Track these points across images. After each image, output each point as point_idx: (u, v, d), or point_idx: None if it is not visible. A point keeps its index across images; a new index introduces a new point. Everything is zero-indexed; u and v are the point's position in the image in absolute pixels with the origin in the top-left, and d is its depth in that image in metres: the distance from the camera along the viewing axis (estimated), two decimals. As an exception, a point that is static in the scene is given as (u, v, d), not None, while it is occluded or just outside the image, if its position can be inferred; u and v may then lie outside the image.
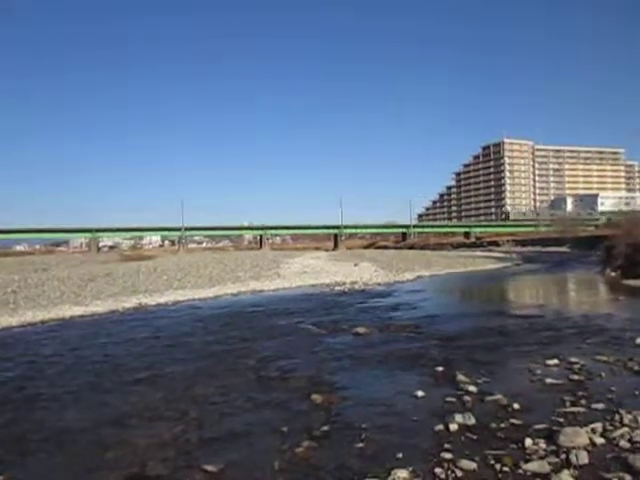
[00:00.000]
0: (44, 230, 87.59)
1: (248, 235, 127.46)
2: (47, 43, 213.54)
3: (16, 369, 7.68)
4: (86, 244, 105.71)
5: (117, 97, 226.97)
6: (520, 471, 3.82)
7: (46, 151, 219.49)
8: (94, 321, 12.35)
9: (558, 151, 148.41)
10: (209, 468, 4.07)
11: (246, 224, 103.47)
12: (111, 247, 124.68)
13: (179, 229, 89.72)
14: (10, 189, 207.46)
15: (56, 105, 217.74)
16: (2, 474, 4.06)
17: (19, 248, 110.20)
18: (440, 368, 6.90)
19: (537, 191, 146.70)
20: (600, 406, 5.14)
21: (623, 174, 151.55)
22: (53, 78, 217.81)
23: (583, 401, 5.34)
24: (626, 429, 4.46)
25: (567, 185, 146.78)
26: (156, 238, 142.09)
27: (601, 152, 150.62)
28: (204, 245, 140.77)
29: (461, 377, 6.34)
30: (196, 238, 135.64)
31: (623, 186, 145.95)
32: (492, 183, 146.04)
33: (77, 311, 13.47)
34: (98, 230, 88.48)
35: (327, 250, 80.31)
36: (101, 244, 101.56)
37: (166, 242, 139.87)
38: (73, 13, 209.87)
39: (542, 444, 4.25)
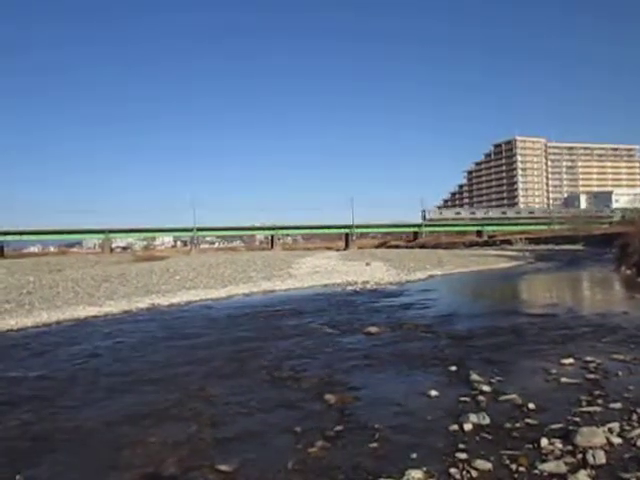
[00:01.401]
0: (58, 231, 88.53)
1: (259, 235, 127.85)
2: (59, 41, 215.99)
3: (31, 369, 7.75)
4: (99, 245, 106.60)
5: (127, 96, 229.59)
6: (536, 471, 3.77)
7: (59, 153, 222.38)
8: (108, 321, 12.45)
9: (571, 148, 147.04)
10: (223, 468, 4.07)
11: (257, 224, 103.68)
12: (124, 248, 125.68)
13: (191, 230, 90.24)
14: (23, 191, 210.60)
15: (65, 105, 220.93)
16: (19, 473, 4.10)
17: (33, 249, 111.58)
18: (453, 367, 6.85)
19: (550, 189, 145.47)
20: (617, 405, 5.07)
21: (638, 171, 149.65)
22: (63, 77, 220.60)
23: (600, 400, 5.26)
24: (644, 429, 4.40)
25: (581, 182, 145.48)
26: (168, 239, 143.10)
27: (615, 149, 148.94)
28: (216, 245, 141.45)
29: (475, 376, 6.28)
30: (208, 238, 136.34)
31: (639, 183, 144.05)
32: (504, 181, 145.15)
33: (91, 311, 13.58)
34: (111, 231, 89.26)
35: (338, 250, 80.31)
36: (114, 245, 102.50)
37: (178, 242, 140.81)
38: (73, 12, 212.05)
39: (558, 444, 4.19)
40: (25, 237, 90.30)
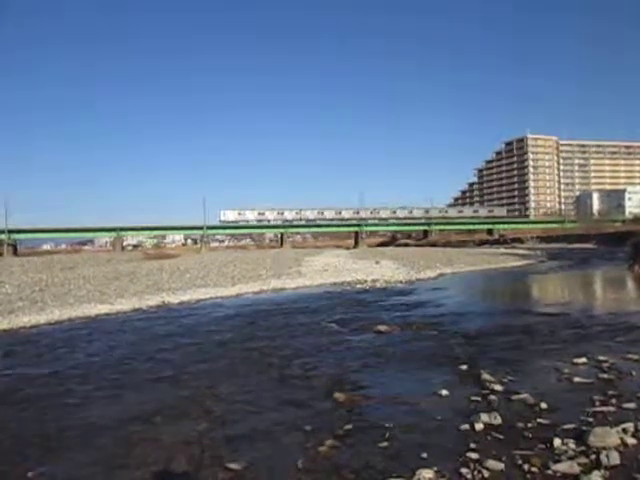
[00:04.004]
0: (70, 229, 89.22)
1: (269, 233, 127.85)
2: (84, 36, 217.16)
3: (43, 367, 7.82)
4: (110, 243, 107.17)
5: (132, 93, 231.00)
6: (549, 472, 3.73)
7: (71, 153, 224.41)
8: (119, 319, 12.52)
9: (583, 146, 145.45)
10: (233, 466, 4.07)
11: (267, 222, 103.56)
12: (135, 246, 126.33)
13: (201, 228, 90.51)
14: (37, 191, 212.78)
15: (71, 102, 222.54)
16: (31, 471, 4.13)
17: (46, 247, 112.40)
18: (464, 366, 6.80)
19: (562, 187, 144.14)
20: (631, 405, 5.00)
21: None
22: (66, 75, 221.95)
23: (613, 400, 5.20)
24: (659, 430, 4.33)
25: (593, 180, 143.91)
26: (179, 237, 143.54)
27: (629, 146, 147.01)
28: (226, 243, 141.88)
29: (486, 376, 6.23)
30: (218, 237, 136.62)
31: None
32: (515, 179, 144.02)
33: (102, 309, 13.67)
34: (122, 229, 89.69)
35: (348, 248, 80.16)
36: (125, 243, 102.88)
37: (189, 241, 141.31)
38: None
39: (571, 444, 4.14)
40: (38, 235, 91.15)
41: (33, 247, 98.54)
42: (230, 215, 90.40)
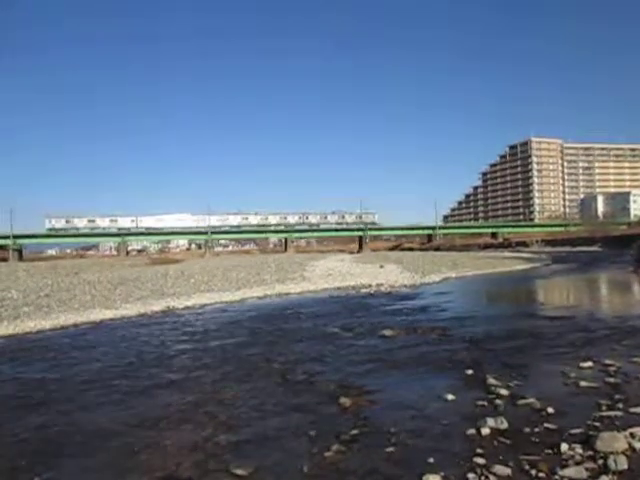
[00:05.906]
0: (75, 234, 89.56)
1: (273, 238, 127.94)
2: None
3: (48, 372, 7.83)
4: (115, 248, 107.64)
5: (136, 97, 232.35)
6: (556, 477, 3.71)
7: (74, 157, 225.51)
8: (124, 324, 12.54)
9: (588, 149, 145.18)
10: (239, 472, 4.06)
11: (271, 227, 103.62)
12: (139, 251, 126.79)
13: (205, 233, 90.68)
14: (41, 195, 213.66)
15: (74, 106, 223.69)
16: (37, 476, 4.13)
17: (51, 252, 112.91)
18: (470, 371, 6.77)
19: (566, 190, 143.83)
20: (639, 410, 4.96)
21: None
22: (69, 78, 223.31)
23: (620, 405, 5.16)
24: (667, 434, 4.29)
25: (597, 183, 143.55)
26: (183, 242, 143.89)
27: (633, 149, 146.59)
28: (230, 248, 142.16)
29: (492, 380, 6.20)
30: (222, 241, 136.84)
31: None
32: (520, 182, 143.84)
33: (107, 314, 13.70)
34: (127, 234, 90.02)
35: (352, 252, 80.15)
36: (130, 248, 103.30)
37: (193, 245, 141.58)
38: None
39: (578, 449, 4.11)
40: (43, 240, 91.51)
41: (38, 252, 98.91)
42: (56, 223, 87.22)
